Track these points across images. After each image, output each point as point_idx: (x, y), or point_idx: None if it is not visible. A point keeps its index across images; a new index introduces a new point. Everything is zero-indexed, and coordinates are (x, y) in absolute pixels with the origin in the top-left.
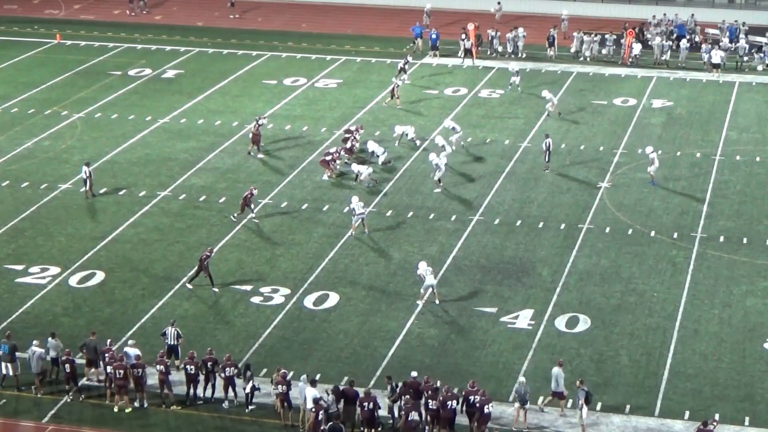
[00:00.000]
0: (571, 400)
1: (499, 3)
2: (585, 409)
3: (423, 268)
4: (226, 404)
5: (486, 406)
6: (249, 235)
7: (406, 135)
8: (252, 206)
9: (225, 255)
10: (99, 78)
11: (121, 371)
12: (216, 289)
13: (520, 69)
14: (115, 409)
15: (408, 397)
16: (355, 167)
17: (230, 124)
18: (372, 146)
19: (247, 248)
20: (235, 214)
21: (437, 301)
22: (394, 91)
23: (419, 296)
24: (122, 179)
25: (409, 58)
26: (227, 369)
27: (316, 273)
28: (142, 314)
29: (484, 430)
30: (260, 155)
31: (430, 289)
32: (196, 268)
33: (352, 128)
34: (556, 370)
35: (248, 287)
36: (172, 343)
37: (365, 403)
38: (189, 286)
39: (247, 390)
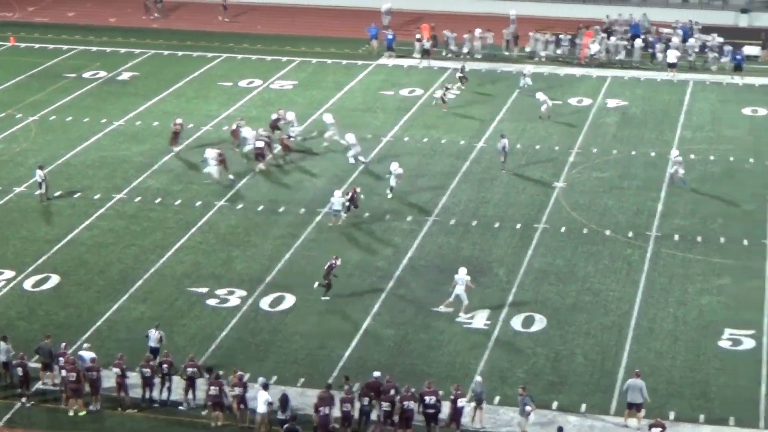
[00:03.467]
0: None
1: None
2: (532, 414)
3: (462, 274)
4: (184, 406)
5: (459, 401)
6: (205, 237)
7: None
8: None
9: (181, 257)
10: (53, 80)
11: (74, 374)
12: (326, 298)
13: (534, 72)
14: (70, 413)
15: (368, 398)
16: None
17: (185, 126)
18: (350, 139)
19: (203, 250)
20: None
21: (462, 313)
22: (444, 96)
23: (446, 303)
24: (77, 182)
25: (465, 65)
26: (188, 369)
27: (272, 274)
28: (98, 317)
29: (459, 425)
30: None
31: (455, 297)
32: (324, 276)
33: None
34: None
35: (204, 289)
36: (155, 345)
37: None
38: (323, 294)
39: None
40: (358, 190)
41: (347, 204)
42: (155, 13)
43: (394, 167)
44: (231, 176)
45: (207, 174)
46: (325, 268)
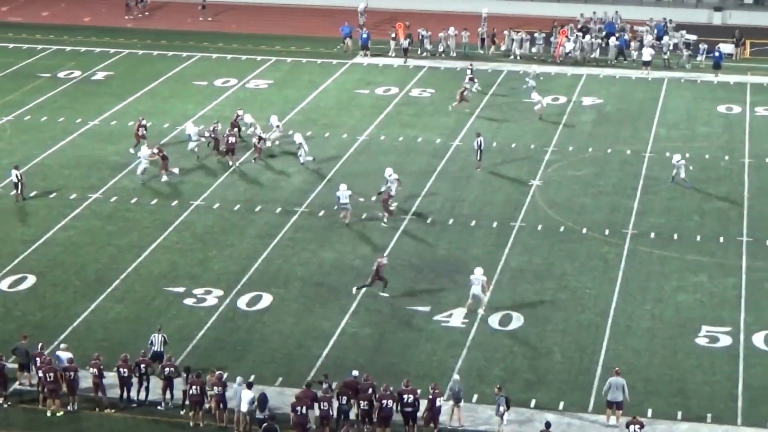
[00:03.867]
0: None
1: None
2: (506, 414)
3: (478, 273)
4: (162, 406)
5: (438, 399)
6: (181, 237)
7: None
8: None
9: (157, 257)
10: (28, 80)
11: (51, 374)
12: (386, 294)
13: (509, 71)
14: (48, 414)
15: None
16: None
17: (161, 126)
18: (299, 139)
19: (179, 250)
20: (384, 217)
21: (480, 310)
22: (463, 94)
23: (467, 304)
24: (52, 182)
25: (472, 65)
26: (166, 369)
27: (249, 274)
28: (75, 317)
29: (437, 424)
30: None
31: (473, 299)
32: (371, 276)
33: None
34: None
35: (181, 289)
36: (159, 349)
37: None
38: (354, 290)
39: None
40: (392, 192)
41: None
42: (137, 12)
43: (388, 173)
44: (173, 172)
45: (142, 171)
46: (373, 268)
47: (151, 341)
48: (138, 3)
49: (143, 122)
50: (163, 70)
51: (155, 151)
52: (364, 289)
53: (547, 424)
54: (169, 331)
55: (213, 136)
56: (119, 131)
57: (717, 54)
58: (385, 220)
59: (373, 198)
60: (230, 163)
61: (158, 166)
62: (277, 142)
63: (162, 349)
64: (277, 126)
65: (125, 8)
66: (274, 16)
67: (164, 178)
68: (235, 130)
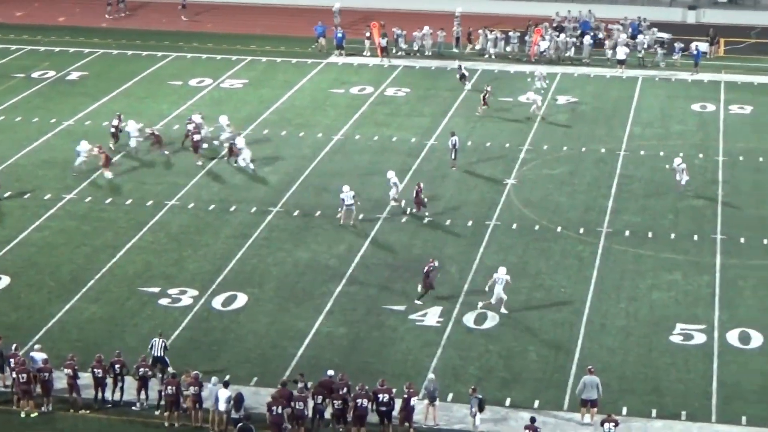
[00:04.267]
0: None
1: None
2: (478, 416)
3: (501, 273)
4: (137, 406)
5: (412, 399)
6: (156, 237)
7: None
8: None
9: (132, 257)
10: (2, 80)
11: (25, 375)
12: (420, 302)
13: (484, 69)
14: (22, 415)
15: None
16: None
17: (221, 141)
18: (240, 143)
19: (154, 250)
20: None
21: (502, 309)
22: (486, 98)
23: (486, 303)
24: (27, 182)
25: (461, 64)
26: (140, 370)
27: (224, 274)
28: (49, 318)
29: (411, 423)
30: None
31: (495, 298)
32: (423, 281)
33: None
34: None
35: (156, 289)
36: (159, 354)
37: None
38: (418, 302)
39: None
40: (422, 185)
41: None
42: (118, 12)
43: (391, 175)
44: (108, 175)
45: (78, 166)
46: (424, 272)
47: (151, 345)
48: (119, 2)
49: (120, 119)
50: (137, 70)
51: (96, 148)
52: (418, 300)
53: (533, 419)
54: (143, 332)
55: (153, 133)
56: (94, 131)
57: (695, 52)
58: (427, 213)
59: (392, 204)
60: (197, 162)
61: (100, 162)
62: (225, 144)
63: (162, 354)
64: (227, 125)
65: (107, 7)
66: (249, 16)
67: (108, 175)
68: (203, 129)
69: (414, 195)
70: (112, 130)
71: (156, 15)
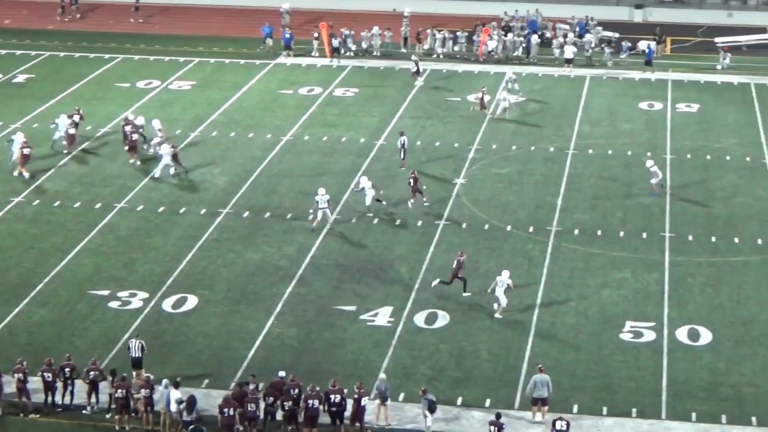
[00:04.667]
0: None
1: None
2: (429, 417)
3: (505, 277)
4: (87, 410)
5: (363, 399)
6: (105, 240)
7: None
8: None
9: (81, 260)
10: None
11: None
12: (468, 293)
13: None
14: None
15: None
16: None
17: (83, 128)
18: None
19: (103, 253)
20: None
21: (497, 315)
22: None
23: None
24: None
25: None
26: (91, 373)
27: (174, 276)
28: None
29: (363, 423)
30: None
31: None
32: (452, 273)
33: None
34: (539, 377)
35: (105, 292)
36: (137, 355)
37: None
38: (435, 285)
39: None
40: (416, 173)
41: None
42: (71, 14)
43: (364, 181)
44: (26, 175)
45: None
46: (454, 266)
47: (129, 347)
48: (72, 5)
49: (78, 116)
50: (85, 73)
51: (22, 144)
52: (437, 282)
53: (498, 415)
54: (93, 335)
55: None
56: (41, 134)
57: (647, 50)
58: (426, 202)
59: (369, 213)
60: (131, 161)
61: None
62: (158, 148)
63: (140, 355)
64: (159, 130)
65: (58, 9)
66: (197, 17)
67: (24, 174)
68: (140, 128)
69: (411, 184)
70: (134, 136)
71: (108, 17)
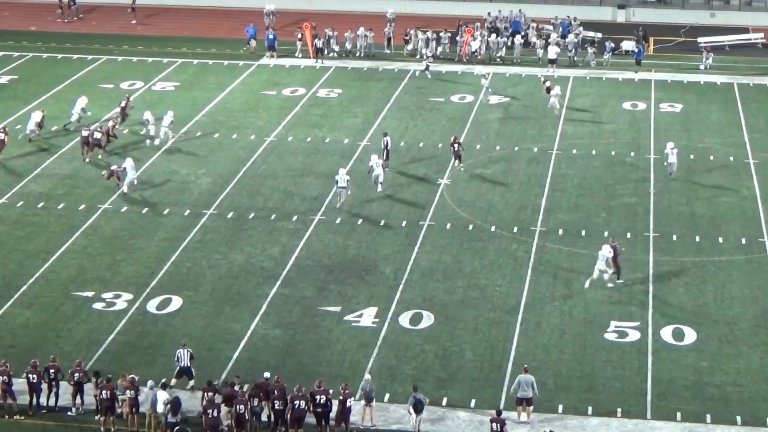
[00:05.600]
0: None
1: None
2: (414, 416)
3: (605, 251)
4: (72, 411)
5: (349, 400)
6: (90, 241)
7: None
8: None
9: (66, 262)
10: None
11: None
12: (621, 280)
13: (487, 73)
14: None
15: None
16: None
17: (62, 128)
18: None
19: (88, 254)
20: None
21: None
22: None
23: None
24: None
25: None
26: (75, 375)
27: (158, 277)
28: None
29: (348, 424)
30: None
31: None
32: (614, 263)
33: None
34: (523, 377)
35: (90, 293)
36: (186, 364)
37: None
38: (610, 285)
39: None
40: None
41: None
42: (71, 15)
43: (341, 174)
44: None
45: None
46: (611, 255)
47: (177, 356)
48: (71, 6)
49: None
50: (68, 74)
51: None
52: (620, 281)
53: (498, 412)
54: (78, 336)
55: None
56: (25, 135)
57: (637, 50)
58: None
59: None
60: (86, 159)
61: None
62: (157, 141)
63: (189, 364)
64: (147, 120)
65: (64, 9)
66: (180, 18)
67: None
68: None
69: (453, 148)
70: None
71: (106, 19)
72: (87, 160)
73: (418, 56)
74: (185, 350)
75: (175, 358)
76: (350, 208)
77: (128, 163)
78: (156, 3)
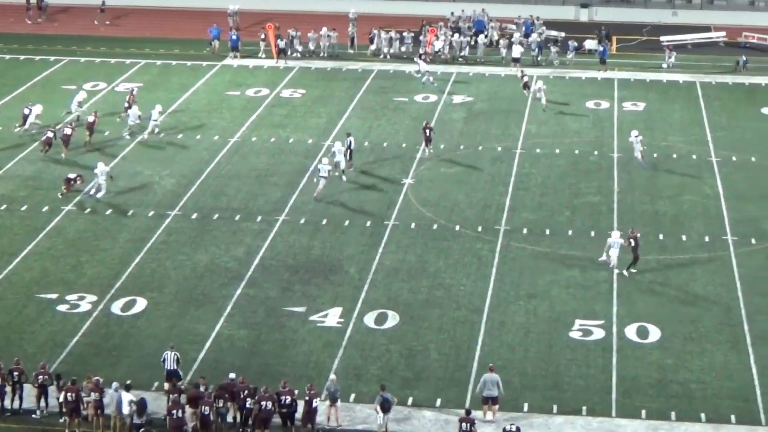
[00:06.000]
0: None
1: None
2: (381, 415)
3: (615, 237)
4: (37, 414)
5: (314, 401)
6: (53, 243)
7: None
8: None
9: (29, 264)
10: None
11: None
12: (634, 270)
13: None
14: None
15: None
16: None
17: (30, 131)
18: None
19: (51, 256)
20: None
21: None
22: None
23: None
24: None
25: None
26: (39, 377)
27: (122, 279)
28: None
29: (314, 424)
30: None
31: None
32: (633, 252)
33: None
34: (489, 376)
35: (54, 295)
36: (172, 367)
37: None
38: (625, 273)
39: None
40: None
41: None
42: (41, 15)
43: (324, 162)
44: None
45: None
46: (632, 245)
47: (164, 359)
48: (40, 6)
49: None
50: (30, 75)
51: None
52: (633, 270)
53: (468, 411)
54: (42, 339)
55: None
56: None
57: (602, 49)
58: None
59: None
60: (62, 155)
61: None
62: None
63: (175, 367)
64: (159, 112)
65: (34, 11)
66: (143, 19)
67: None
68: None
69: (425, 133)
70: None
71: (70, 20)
72: (63, 155)
73: (381, 56)
74: (172, 353)
75: (161, 360)
76: (315, 207)
77: (100, 166)
78: (121, 4)
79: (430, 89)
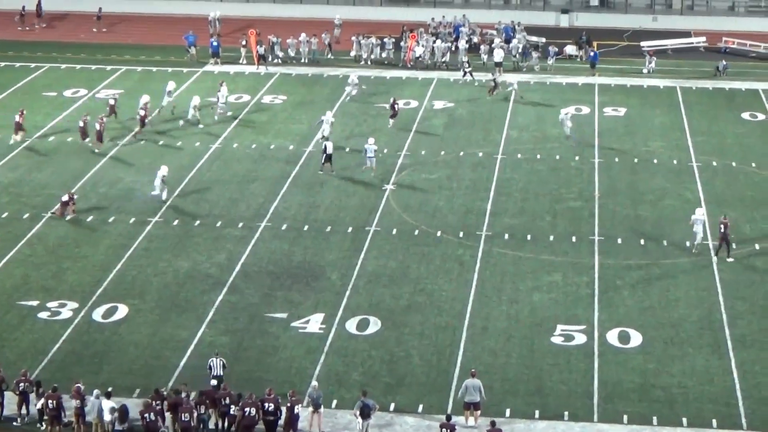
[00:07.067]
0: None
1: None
2: (360, 421)
3: (699, 214)
4: (18, 421)
5: (296, 407)
6: (34, 250)
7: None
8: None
9: (10, 270)
10: None
11: None
12: (731, 259)
13: (360, 75)
14: None
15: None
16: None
17: (10, 138)
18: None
19: (32, 263)
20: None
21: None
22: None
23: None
24: None
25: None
26: (21, 384)
27: (104, 285)
28: None
29: (296, 431)
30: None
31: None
32: (720, 240)
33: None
34: (470, 381)
35: (35, 302)
36: (219, 373)
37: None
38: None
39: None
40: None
41: None
42: (35, 24)
43: (370, 143)
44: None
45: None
46: (722, 230)
47: (210, 366)
48: (37, 15)
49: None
50: (10, 82)
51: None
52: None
53: (448, 417)
54: (23, 346)
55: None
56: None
57: (592, 54)
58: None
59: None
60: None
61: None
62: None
63: (221, 373)
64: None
65: (30, 18)
66: (123, 26)
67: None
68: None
69: (393, 108)
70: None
71: (72, 27)
72: (96, 150)
73: (361, 62)
74: (218, 359)
75: (207, 367)
76: (296, 213)
77: (162, 170)
78: (112, 11)
79: (408, 94)
